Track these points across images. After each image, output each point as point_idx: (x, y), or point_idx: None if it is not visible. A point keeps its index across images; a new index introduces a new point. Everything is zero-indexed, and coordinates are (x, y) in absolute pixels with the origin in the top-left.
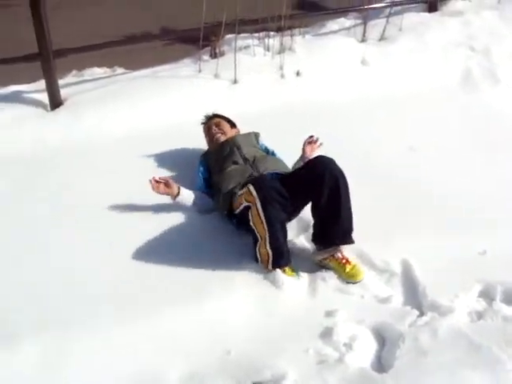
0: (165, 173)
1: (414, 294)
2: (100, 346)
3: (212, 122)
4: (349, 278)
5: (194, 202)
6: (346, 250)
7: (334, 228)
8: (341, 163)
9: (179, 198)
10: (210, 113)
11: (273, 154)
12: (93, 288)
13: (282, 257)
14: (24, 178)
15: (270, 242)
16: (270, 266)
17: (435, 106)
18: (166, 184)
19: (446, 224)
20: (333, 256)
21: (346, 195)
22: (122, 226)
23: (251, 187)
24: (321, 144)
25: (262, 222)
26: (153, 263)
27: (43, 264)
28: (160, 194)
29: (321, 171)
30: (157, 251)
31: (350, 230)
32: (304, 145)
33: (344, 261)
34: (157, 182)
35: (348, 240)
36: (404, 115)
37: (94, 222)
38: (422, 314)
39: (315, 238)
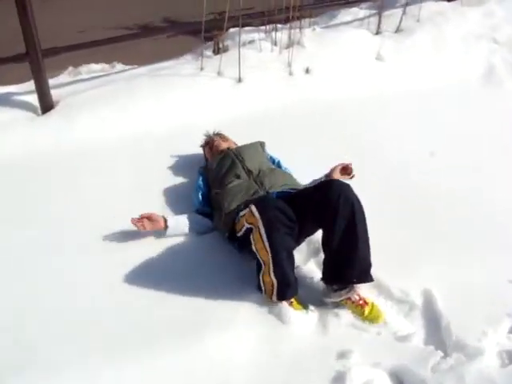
0: (163, 181)
1: (436, 331)
2: None
3: (213, 138)
4: (368, 321)
5: (190, 228)
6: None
7: (351, 266)
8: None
9: (169, 231)
10: (211, 132)
11: (279, 164)
12: (79, 325)
13: (288, 287)
14: (11, 186)
15: (274, 271)
16: (274, 298)
17: (455, 104)
18: (149, 218)
19: (472, 246)
20: (349, 298)
21: (364, 226)
22: (112, 248)
23: (253, 208)
24: (353, 176)
25: (265, 248)
26: (145, 294)
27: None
28: (148, 230)
29: (335, 197)
30: (150, 279)
31: (368, 267)
32: (335, 169)
33: (361, 302)
34: (139, 220)
35: (366, 278)
36: (422, 115)
37: (83, 241)
38: (446, 354)
39: (327, 278)
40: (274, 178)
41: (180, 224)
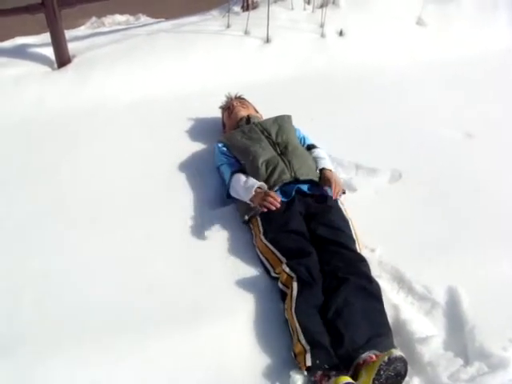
0: (180, 149)
1: (458, 335)
2: (78, 378)
3: (233, 101)
4: None
5: None
6: None
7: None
8: (387, 143)
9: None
10: (232, 95)
11: (304, 141)
12: (74, 308)
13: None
14: (21, 143)
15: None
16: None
17: (501, 76)
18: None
19: (505, 241)
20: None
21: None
22: (117, 225)
23: (295, 285)
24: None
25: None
26: (144, 278)
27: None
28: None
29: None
30: (150, 262)
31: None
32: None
33: None
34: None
35: None
36: (462, 86)
37: (85, 214)
38: (466, 363)
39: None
40: (301, 160)
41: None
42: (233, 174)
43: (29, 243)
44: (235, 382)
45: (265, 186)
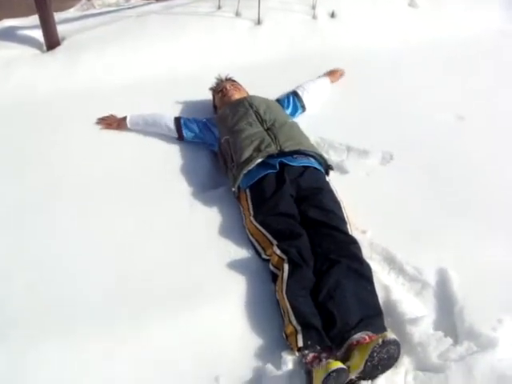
0: None
1: (448, 315)
2: (71, 365)
3: (225, 83)
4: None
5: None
6: None
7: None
8: (378, 126)
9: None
10: (223, 76)
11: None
12: (66, 293)
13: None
14: (11, 125)
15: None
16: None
17: (493, 57)
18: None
19: (497, 224)
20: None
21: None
22: (109, 210)
23: (286, 267)
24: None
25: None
26: (135, 262)
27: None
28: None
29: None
30: (147, 245)
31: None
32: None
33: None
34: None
35: None
36: (455, 68)
37: (77, 198)
38: (456, 342)
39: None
40: (288, 134)
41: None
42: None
43: (21, 228)
44: (227, 362)
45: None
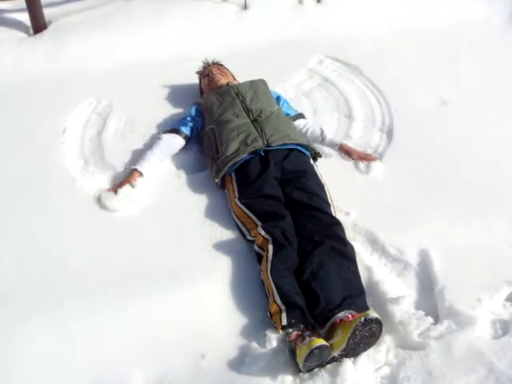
0: (158, 115)
1: (429, 295)
2: (59, 341)
3: (211, 67)
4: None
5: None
6: None
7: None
8: (359, 109)
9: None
10: (210, 60)
11: (280, 99)
12: (55, 271)
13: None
14: None
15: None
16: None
17: (479, 43)
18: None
19: (476, 207)
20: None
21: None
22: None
23: (270, 247)
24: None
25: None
26: (123, 242)
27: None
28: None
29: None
30: (131, 229)
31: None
32: (357, 154)
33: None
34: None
35: None
36: (441, 54)
37: (64, 178)
38: (436, 321)
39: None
40: (275, 125)
41: (154, 162)
42: (167, 132)
43: (9, 207)
44: (212, 341)
45: (142, 173)
